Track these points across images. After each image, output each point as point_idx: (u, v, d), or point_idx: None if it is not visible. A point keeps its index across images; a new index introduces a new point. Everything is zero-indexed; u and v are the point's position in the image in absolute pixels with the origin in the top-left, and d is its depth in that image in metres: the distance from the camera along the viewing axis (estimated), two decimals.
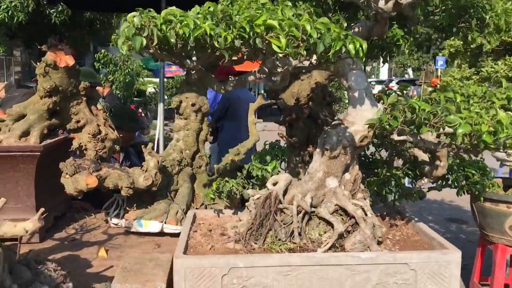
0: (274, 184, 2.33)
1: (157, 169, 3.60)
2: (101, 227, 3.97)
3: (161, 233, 3.70)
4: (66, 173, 3.45)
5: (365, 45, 1.74)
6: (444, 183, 2.69)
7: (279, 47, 1.70)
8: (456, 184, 2.69)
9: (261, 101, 3.99)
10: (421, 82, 26.65)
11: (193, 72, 2.27)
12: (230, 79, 2.18)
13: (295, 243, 2.24)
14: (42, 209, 2.08)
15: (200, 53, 1.96)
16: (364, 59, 2.01)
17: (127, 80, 6.61)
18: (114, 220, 3.85)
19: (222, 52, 1.77)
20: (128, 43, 1.85)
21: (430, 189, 2.86)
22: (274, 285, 2.12)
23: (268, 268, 2.11)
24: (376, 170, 2.85)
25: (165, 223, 3.65)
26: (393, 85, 19.99)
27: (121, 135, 4.29)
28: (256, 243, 2.25)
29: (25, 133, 3.68)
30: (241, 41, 1.73)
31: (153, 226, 3.65)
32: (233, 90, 5.84)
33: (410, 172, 2.58)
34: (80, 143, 3.88)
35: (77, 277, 2.83)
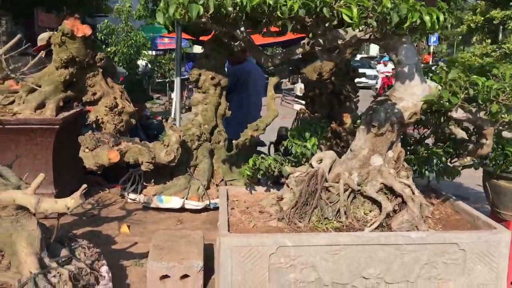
0: (319, 162, 2.26)
1: (179, 144, 3.50)
2: (118, 202, 3.89)
3: (181, 209, 3.63)
4: (86, 147, 3.35)
5: (442, 17, 1.65)
6: (482, 162, 2.65)
7: (350, 17, 1.60)
8: (494, 163, 2.65)
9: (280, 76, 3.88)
10: None
11: (237, 44, 2.16)
12: (277, 51, 2.07)
13: (341, 222, 2.19)
14: (84, 185, 1.99)
15: (252, 24, 1.85)
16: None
17: (131, 52, 6.40)
18: (132, 196, 3.77)
19: (284, 22, 1.67)
20: (179, 11, 1.74)
21: (464, 167, 2.81)
22: (322, 264, 2.07)
23: (317, 248, 2.06)
24: (409, 148, 2.79)
25: (187, 199, 3.58)
26: (387, 61, 19.92)
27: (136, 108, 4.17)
28: (300, 222, 2.20)
29: (40, 105, 3.55)
30: (305, 11, 1.63)
31: (174, 202, 3.58)
32: (244, 64, 5.69)
33: (451, 150, 2.52)
34: (97, 116, 3.76)
35: (104, 254, 2.77)
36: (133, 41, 6.80)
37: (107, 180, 4.46)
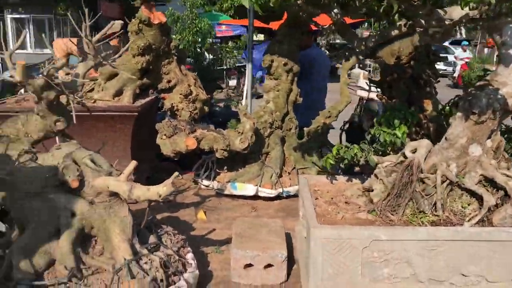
0: (413, 151, 2.14)
1: (252, 131, 3.47)
2: (192, 188, 3.92)
3: (254, 196, 3.61)
4: (164, 134, 3.38)
5: None
6: None
7: None
8: None
9: (356, 60, 3.72)
10: (477, 42, 25.24)
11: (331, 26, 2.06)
12: (371, 33, 1.96)
13: (437, 215, 2.07)
14: (176, 173, 1.98)
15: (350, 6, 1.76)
16: None
17: (199, 39, 6.41)
18: (205, 182, 3.78)
19: (391, 2, 1.56)
20: None
21: None
22: (418, 260, 1.97)
23: (413, 242, 1.95)
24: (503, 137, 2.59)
25: (260, 186, 3.55)
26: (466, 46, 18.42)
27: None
28: (393, 215, 2.10)
29: (118, 93, 3.62)
30: None
31: (248, 189, 3.56)
32: (309, 49, 5.51)
33: None
34: (172, 104, 3.79)
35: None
36: (198, 28, 6.83)
37: (179, 166, 4.52)
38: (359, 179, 2.67)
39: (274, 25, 4.52)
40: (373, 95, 5.32)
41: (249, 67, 4.44)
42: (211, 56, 7.90)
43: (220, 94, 10.61)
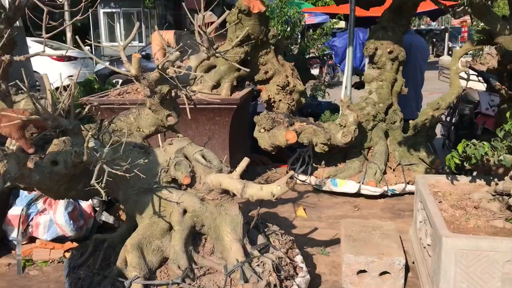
0: None
1: (356, 124, 3.26)
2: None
3: (355, 194, 3.41)
4: (263, 127, 3.28)
5: None
6: None
7: None
8: None
9: (470, 46, 3.36)
10: None
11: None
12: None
13: None
14: (291, 172, 1.86)
15: None
16: None
17: (288, 29, 6.23)
18: (301, 177, 3.65)
19: None
20: None
21: None
22: None
23: None
24: None
25: (363, 183, 3.34)
26: None
27: None
28: None
29: (216, 85, 3.57)
30: None
31: (349, 186, 3.37)
32: (404, 36, 5.13)
33: None
34: (269, 96, 3.68)
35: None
36: (287, 17, 6.68)
37: (271, 159, 4.42)
38: (484, 180, 2.39)
39: (376, 11, 4.24)
40: (474, 84, 4.87)
41: (349, 50, 4.21)
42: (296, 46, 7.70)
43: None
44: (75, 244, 2.64)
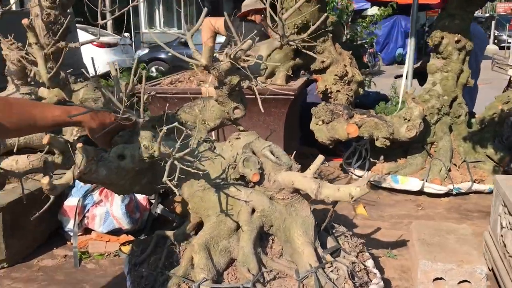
0: None
1: (421, 118, 3.06)
2: (341, 177, 3.64)
3: (417, 192, 3.22)
4: (321, 120, 3.12)
5: None
6: None
7: None
8: None
9: None
10: None
11: None
12: None
13: None
14: (368, 174, 1.71)
15: None
16: None
17: (335, 16, 6.01)
18: (358, 172, 3.48)
19: None
20: None
21: None
22: None
23: None
24: None
25: (427, 181, 3.15)
26: None
27: None
28: None
29: (271, 74, 3.43)
30: None
31: (412, 183, 3.19)
32: None
33: None
34: (325, 86, 3.52)
35: None
36: (334, 3, 6.44)
37: (320, 152, 4.25)
38: None
39: None
40: None
41: (412, 41, 3.99)
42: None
43: None
44: (130, 237, 2.58)
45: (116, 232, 2.57)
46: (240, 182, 1.87)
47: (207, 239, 1.77)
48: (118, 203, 2.49)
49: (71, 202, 2.54)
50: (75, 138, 1.97)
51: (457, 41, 3.32)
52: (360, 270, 1.89)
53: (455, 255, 2.06)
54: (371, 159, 3.50)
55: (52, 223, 2.61)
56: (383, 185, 3.30)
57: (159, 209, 2.72)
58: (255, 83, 1.83)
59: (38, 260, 2.45)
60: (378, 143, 3.16)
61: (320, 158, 1.78)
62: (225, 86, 1.83)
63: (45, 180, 1.32)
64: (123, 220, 2.49)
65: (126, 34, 13.75)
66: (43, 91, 2.35)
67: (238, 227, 1.83)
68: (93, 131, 1.63)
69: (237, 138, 1.93)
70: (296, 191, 1.84)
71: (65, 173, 1.56)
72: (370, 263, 2.02)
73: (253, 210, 1.82)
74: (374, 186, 3.40)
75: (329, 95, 3.51)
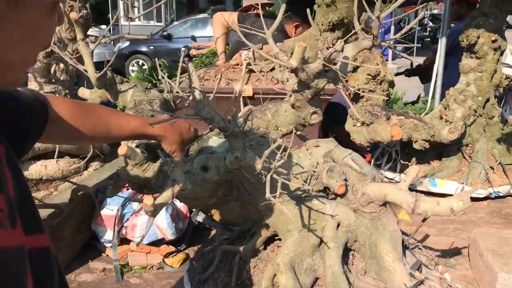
0: None
1: (463, 120, 2.98)
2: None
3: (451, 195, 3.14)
4: (362, 122, 3.00)
5: None
6: None
7: None
8: None
9: None
10: None
11: None
12: None
13: None
14: (478, 184, 1.60)
15: None
16: None
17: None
18: (388, 174, 3.38)
19: None
20: None
21: None
22: None
23: None
24: None
25: (467, 184, 3.07)
26: None
27: None
28: None
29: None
30: None
31: (450, 186, 3.10)
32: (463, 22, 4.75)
33: None
34: (358, 85, 3.39)
35: None
36: None
37: None
38: None
39: None
40: None
41: (442, 41, 3.90)
42: None
43: None
44: (171, 248, 2.41)
45: (156, 242, 2.40)
46: (322, 194, 1.73)
47: (292, 257, 1.63)
48: (163, 212, 2.31)
49: (108, 212, 2.35)
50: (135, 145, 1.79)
51: (494, 41, 3.24)
52: (446, 287, 1.78)
53: None
54: (401, 161, 3.41)
55: (87, 234, 2.42)
56: (419, 188, 3.21)
57: (200, 217, 2.55)
58: (343, 85, 1.69)
59: (75, 275, 2.25)
60: (416, 146, 3.06)
61: (415, 169, 1.65)
62: (309, 90, 1.68)
63: (149, 201, 1.15)
64: (168, 230, 2.32)
65: (103, 27, 13.35)
66: (84, 92, 2.15)
67: (320, 242, 1.69)
68: (172, 143, 1.47)
69: (316, 146, 1.79)
70: (384, 204, 1.71)
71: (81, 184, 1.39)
72: (447, 276, 1.91)
73: (338, 225, 1.68)
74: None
75: (361, 95, 3.39)
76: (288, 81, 2.81)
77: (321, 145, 1.78)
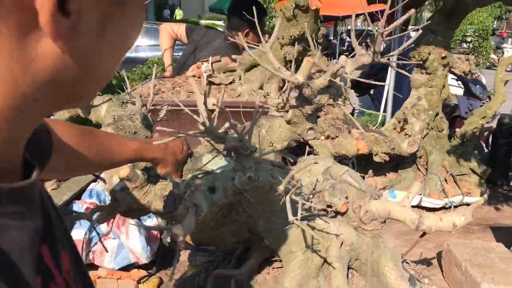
0: None
1: (422, 134, 3.09)
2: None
3: (412, 207, 3.24)
4: (326, 135, 3.00)
5: None
6: None
7: None
8: None
9: None
10: (500, 33, 25.18)
11: None
12: None
13: None
14: (481, 199, 1.62)
15: None
16: None
17: None
18: None
19: None
20: None
21: None
22: None
23: None
24: None
25: (425, 195, 3.18)
26: None
27: None
28: None
29: (263, 86, 3.24)
30: None
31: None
32: None
33: None
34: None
35: None
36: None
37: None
38: None
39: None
40: (452, 89, 4.93)
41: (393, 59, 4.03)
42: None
43: None
44: (143, 272, 2.23)
45: (126, 267, 2.21)
46: (323, 212, 1.68)
47: (299, 280, 1.56)
48: (137, 234, 2.14)
49: (75, 236, 2.13)
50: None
51: (443, 57, 3.41)
52: None
53: (508, 276, 2.05)
54: (360, 174, 3.47)
55: None
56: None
57: (169, 238, 2.40)
58: (343, 102, 1.66)
59: None
60: (376, 158, 3.11)
61: (417, 185, 1.66)
62: (310, 105, 1.63)
63: (179, 230, 1.03)
64: (143, 254, 2.15)
65: None
66: None
67: (323, 263, 1.64)
68: (167, 165, 1.36)
69: (315, 163, 1.74)
70: (385, 221, 1.70)
71: None
72: None
73: (341, 244, 1.64)
74: None
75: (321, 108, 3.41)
76: (268, 95, 2.74)
77: (320, 161, 1.74)
